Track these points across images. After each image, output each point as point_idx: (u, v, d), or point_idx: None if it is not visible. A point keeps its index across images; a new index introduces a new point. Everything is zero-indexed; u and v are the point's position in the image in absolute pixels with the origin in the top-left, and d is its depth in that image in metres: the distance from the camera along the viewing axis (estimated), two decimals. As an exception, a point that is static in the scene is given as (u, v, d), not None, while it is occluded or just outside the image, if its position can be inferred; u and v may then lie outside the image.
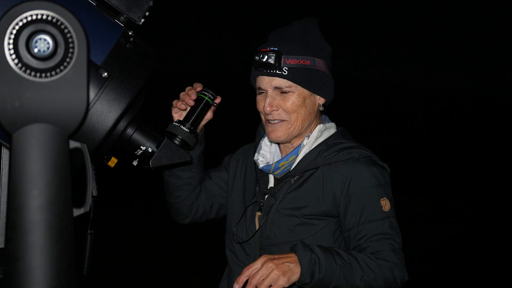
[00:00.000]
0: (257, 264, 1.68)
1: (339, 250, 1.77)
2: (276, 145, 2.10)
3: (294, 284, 1.73)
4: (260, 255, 1.90)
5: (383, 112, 16.27)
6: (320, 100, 1.97)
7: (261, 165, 2.02)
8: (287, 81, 1.89)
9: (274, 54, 1.86)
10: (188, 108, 1.89)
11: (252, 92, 2.03)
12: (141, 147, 1.62)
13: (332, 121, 2.09)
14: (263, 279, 1.65)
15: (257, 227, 1.96)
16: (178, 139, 1.72)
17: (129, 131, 1.58)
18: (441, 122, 16.03)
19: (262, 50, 1.90)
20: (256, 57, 1.90)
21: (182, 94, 1.92)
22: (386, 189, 1.90)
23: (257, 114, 2.01)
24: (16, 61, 1.13)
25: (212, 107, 1.95)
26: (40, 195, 1.13)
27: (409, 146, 13.73)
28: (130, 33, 1.45)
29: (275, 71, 1.87)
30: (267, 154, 2.08)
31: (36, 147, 1.14)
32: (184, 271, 6.06)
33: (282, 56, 1.87)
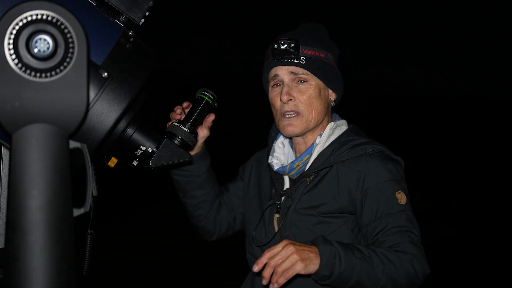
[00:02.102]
0: (278, 247, 1.67)
1: (357, 245, 1.76)
2: (290, 146, 2.11)
3: (314, 280, 1.73)
4: None
5: (383, 112, 16.26)
6: (332, 96, 2.01)
7: (276, 167, 2.02)
8: (304, 69, 1.92)
9: (293, 42, 1.88)
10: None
11: (252, 92, 2.03)
12: (141, 147, 1.62)
13: (350, 122, 2.11)
14: (281, 261, 1.64)
15: (276, 229, 1.96)
16: (178, 139, 1.72)
17: (129, 131, 1.58)
18: (440, 122, 16.02)
19: (280, 38, 1.92)
20: (275, 45, 1.91)
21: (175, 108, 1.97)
22: (401, 183, 1.88)
23: (257, 114, 2.03)
24: (16, 61, 1.13)
25: (211, 114, 1.99)
26: (40, 195, 1.13)
27: (409, 146, 13.73)
28: (130, 33, 1.45)
29: (293, 60, 1.90)
30: (280, 156, 2.09)
31: (36, 147, 1.14)
32: (184, 271, 6.06)
33: (300, 45, 1.89)
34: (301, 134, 2.00)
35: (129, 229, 7.53)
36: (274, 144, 2.12)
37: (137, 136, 1.61)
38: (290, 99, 1.93)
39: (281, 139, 2.12)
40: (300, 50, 1.89)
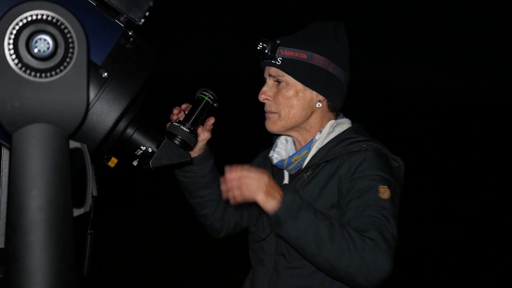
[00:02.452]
0: (257, 173, 1.71)
1: (325, 213, 1.74)
2: (292, 142, 2.12)
3: (270, 224, 1.74)
4: (275, 251, 1.93)
5: (383, 112, 16.26)
6: (318, 97, 1.97)
7: (275, 161, 2.05)
8: (280, 70, 1.94)
9: (270, 44, 1.92)
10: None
11: (252, 92, 2.04)
12: (141, 147, 1.62)
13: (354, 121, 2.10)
14: (250, 180, 1.69)
15: None
16: (178, 139, 1.72)
17: (129, 131, 1.58)
18: (440, 122, 16.02)
19: (262, 39, 1.95)
20: (257, 46, 1.96)
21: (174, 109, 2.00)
22: (390, 182, 1.84)
23: (257, 114, 2.04)
24: (16, 61, 1.13)
25: (211, 118, 2.00)
26: (40, 195, 1.13)
27: (409, 146, 13.72)
28: (130, 33, 1.45)
29: (270, 60, 1.94)
30: (282, 151, 2.11)
31: (36, 147, 1.14)
32: (184, 271, 6.06)
33: (279, 47, 1.92)
34: (283, 132, 2.02)
35: (129, 229, 7.53)
36: (277, 140, 2.15)
37: (137, 136, 1.61)
38: (267, 99, 1.99)
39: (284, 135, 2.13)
40: (277, 51, 1.93)
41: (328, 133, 1.99)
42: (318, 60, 1.93)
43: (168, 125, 1.98)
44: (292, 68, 1.92)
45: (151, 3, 1.48)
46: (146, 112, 1.66)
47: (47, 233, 1.13)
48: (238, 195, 1.72)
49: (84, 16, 1.27)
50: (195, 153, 2.15)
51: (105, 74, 1.34)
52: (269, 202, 1.68)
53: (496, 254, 6.91)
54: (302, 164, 1.99)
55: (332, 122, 2.01)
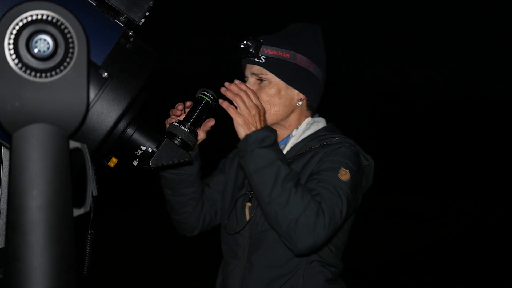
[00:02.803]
0: (252, 102, 1.81)
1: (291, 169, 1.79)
2: None
3: (238, 147, 1.82)
4: (249, 244, 1.96)
5: (383, 112, 16.26)
6: (299, 96, 2.01)
7: None
8: (263, 69, 1.96)
9: (253, 42, 1.94)
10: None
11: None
12: (141, 147, 1.62)
13: (329, 121, 2.14)
14: (243, 100, 1.80)
15: (248, 217, 1.99)
16: (178, 139, 1.72)
17: (129, 131, 1.58)
18: (440, 122, 16.01)
19: (245, 38, 1.98)
20: (239, 44, 1.98)
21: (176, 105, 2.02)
22: (356, 172, 1.88)
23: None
24: (16, 61, 1.13)
25: (211, 119, 2.02)
26: (40, 195, 1.13)
27: (409, 146, 13.72)
28: (130, 33, 1.45)
29: (254, 59, 1.96)
30: None
31: (36, 147, 1.14)
32: (184, 271, 6.06)
33: (262, 45, 1.95)
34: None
35: (129, 229, 7.54)
36: None
37: (137, 136, 1.61)
38: None
39: None
40: (261, 49, 1.95)
41: (304, 130, 2.03)
42: (301, 59, 1.98)
43: (167, 121, 1.99)
44: (276, 66, 1.96)
45: (151, 3, 1.48)
46: (146, 112, 1.66)
47: (47, 233, 1.13)
48: (226, 105, 1.82)
49: (84, 16, 1.28)
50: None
51: (105, 74, 1.34)
52: (241, 130, 1.79)
53: (496, 254, 6.92)
54: None
55: (309, 119, 2.05)
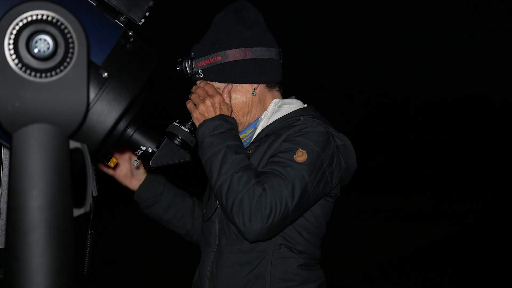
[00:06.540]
0: (205, 87, 1.88)
1: (244, 155, 1.80)
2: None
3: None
4: (219, 230, 1.94)
5: (383, 112, 16.27)
6: (252, 86, 1.98)
7: None
8: (205, 81, 1.96)
9: (186, 62, 1.95)
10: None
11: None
12: (141, 147, 1.62)
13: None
14: (199, 96, 1.87)
15: (218, 203, 1.96)
16: (178, 139, 1.72)
17: (129, 131, 1.58)
18: (440, 122, 16.02)
19: (177, 60, 1.98)
20: (176, 67, 1.98)
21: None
22: (317, 150, 1.82)
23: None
24: (16, 61, 1.13)
25: None
26: (40, 195, 1.13)
27: (409, 146, 13.72)
28: (130, 33, 1.45)
29: (194, 76, 1.96)
30: None
31: (36, 147, 1.15)
32: (184, 271, 6.06)
33: (193, 61, 1.95)
34: (240, 128, 2.03)
35: (129, 229, 7.53)
36: None
37: (137, 136, 1.61)
38: None
39: None
40: (194, 65, 1.95)
41: (273, 112, 1.99)
42: (233, 54, 1.94)
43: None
44: (213, 75, 1.95)
45: (151, 3, 1.48)
46: (146, 112, 1.66)
47: (47, 233, 1.13)
48: (190, 105, 1.86)
49: (84, 16, 1.28)
50: (139, 180, 2.21)
51: (105, 74, 1.34)
52: (196, 123, 1.81)
53: (496, 254, 6.92)
54: (249, 142, 2.00)
55: (276, 100, 2.00)
